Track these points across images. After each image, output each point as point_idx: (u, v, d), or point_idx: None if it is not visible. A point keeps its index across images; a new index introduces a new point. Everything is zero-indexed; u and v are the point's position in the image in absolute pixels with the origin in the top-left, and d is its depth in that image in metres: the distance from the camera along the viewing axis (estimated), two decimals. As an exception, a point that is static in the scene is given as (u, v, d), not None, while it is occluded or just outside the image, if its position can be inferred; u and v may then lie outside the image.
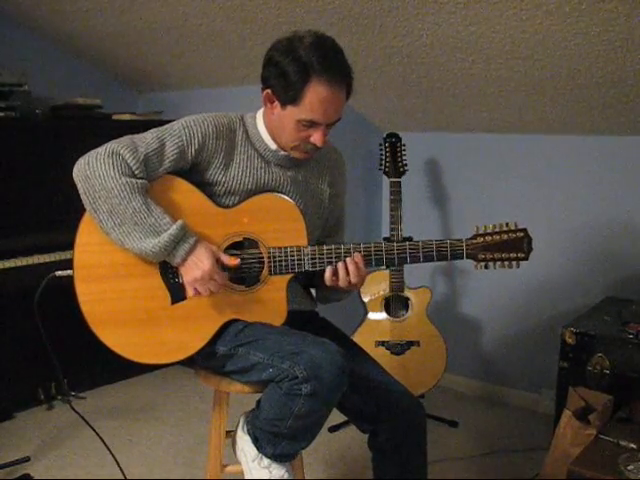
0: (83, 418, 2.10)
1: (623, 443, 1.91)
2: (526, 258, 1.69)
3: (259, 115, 1.74)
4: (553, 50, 2.27)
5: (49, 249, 2.81)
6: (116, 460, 2.16)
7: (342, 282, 1.65)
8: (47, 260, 2.79)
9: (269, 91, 1.62)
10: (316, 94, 1.57)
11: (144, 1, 2.72)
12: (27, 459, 2.57)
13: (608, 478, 1.76)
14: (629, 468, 1.76)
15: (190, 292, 1.62)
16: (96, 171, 1.55)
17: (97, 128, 3.17)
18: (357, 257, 1.65)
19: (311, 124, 1.61)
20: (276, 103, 1.63)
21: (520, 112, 2.80)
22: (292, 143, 1.66)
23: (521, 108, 2.76)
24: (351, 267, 1.65)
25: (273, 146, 1.72)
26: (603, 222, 2.80)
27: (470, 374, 3.31)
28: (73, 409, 2.12)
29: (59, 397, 3.09)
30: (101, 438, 2.11)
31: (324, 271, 1.67)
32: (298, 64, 1.56)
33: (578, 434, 2.06)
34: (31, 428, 2.91)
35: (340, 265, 1.65)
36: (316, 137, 1.63)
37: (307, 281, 1.86)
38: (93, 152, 1.59)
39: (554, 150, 2.91)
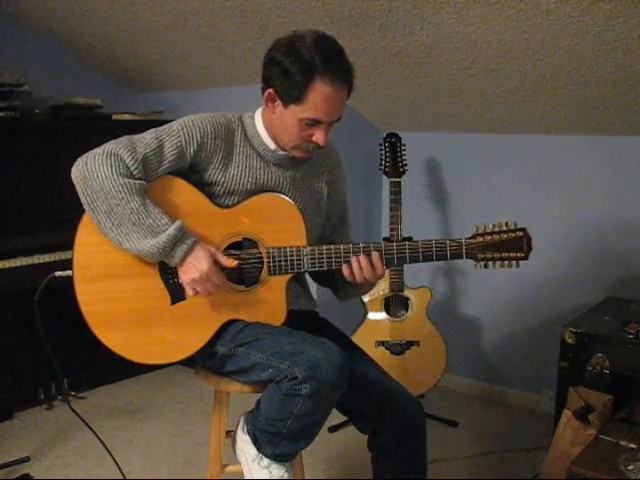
0: (82, 418, 2.10)
1: (623, 443, 1.91)
2: (526, 258, 1.68)
3: (257, 115, 1.74)
4: (553, 50, 2.27)
5: (49, 249, 2.81)
6: (115, 460, 2.16)
7: (358, 277, 1.66)
8: (47, 260, 2.79)
9: (271, 91, 1.62)
10: (319, 93, 1.57)
11: (144, 1, 2.72)
12: (27, 459, 2.57)
13: (608, 478, 1.76)
14: (629, 468, 1.76)
15: (190, 292, 1.61)
16: (94, 172, 1.55)
17: (97, 128, 3.17)
18: (375, 256, 1.66)
19: (314, 123, 1.61)
20: (278, 102, 1.63)
21: (520, 112, 2.80)
22: (294, 142, 1.66)
23: (521, 108, 2.76)
24: (363, 262, 1.65)
25: (272, 146, 1.72)
26: (603, 222, 2.80)
27: (470, 374, 3.31)
28: (72, 409, 2.12)
29: (59, 397, 3.09)
30: (99, 438, 2.11)
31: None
32: (301, 63, 1.56)
33: (578, 434, 2.06)
34: (31, 428, 2.91)
35: (354, 259, 1.65)
36: (318, 136, 1.63)
37: (324, 280, 1.87)
38: (91, 153, 1.58)
39: (554, 150, 2.90)
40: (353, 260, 1.65)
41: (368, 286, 1.82)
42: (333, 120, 1.64)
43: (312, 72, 1.56)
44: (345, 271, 1.66)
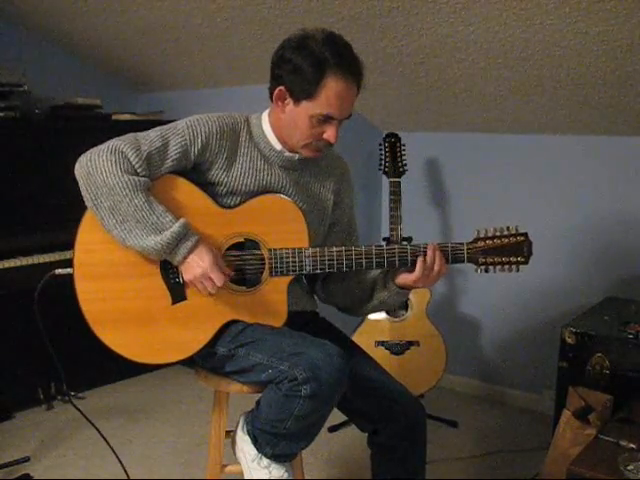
0: (86, 417, 2.09)
1: (623, 443, 1.90)
2: (526, 262, 1.69)
3: (264, 116, 1.73)
4: (553, 50, 2.27)
5: (49, 249, 2.81)
6: (119, 459, 2.15)
7: (428, 269, 1.65)
8: (47, 260, 2.79)
9: (282, 88, 1.62)
10: (332, 88, 1.57)
11: (144, 1, 2.72)
12: (27, 459, 2.57)
13: (608, 478, 1.76)
14: (629, 468, 1.76)
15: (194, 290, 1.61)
16: (98, 168, 1.54)
17: (97, 128, 3.17)
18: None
19: (325, 119, 1.61)
20: (288, 100, 1.63)
21: (520, 112, 2.80)
22: (304, 141, 1.66)
23: (521, 108, 2.76)
24: (438, 255, 1.65)
25: (278, 147, 1.71)
26: (603, 222, 2.80)
27: (470, 374, 3.31)
28: (76, 407, 2.11)
29: (59, 397, 3.09)
30: (103, 437, 2.10)
31: (392, 274, 1.70)
32: (313, 59, 1.56)
33: (578, 434, 2.06)
34: (31, 428, 2.91)
35: (430, 249, 1.65)
36: (329, 133, 1.63)
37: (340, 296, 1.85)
38: (95, 149, 1.58)
39: (554, 150, 2.90)
40: (430, 250, 1.64)
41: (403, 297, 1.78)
42: (344, 117, 1.64)
43: (324, 68, 1.56)
44: (419, 264, 1.65)
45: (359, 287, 1.81)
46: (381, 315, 2.85)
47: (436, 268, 1.65)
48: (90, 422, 2.09)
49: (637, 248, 2.73)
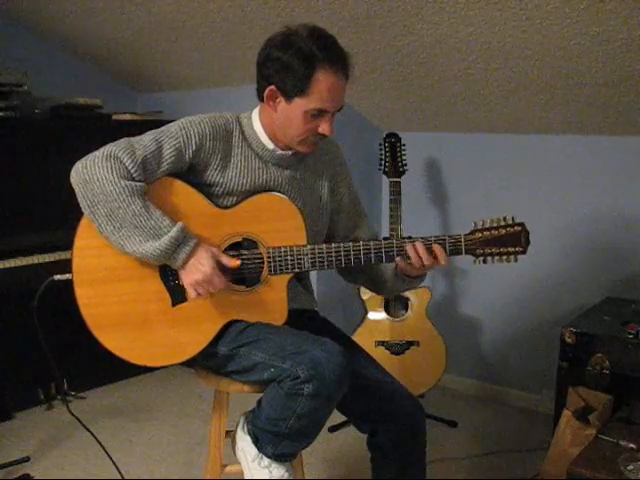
0: (79, 420, 2.09)
1: (623, 443, 1.91)
2: (524, 252, 1.69)
3: (254, 115, 1.73)
4: (553, 50, 2.27)
5: (49, 249, 2.81)
6: (112, 461, 2.15)
7: (417, 265, 1.65)
8: (47, 260, 2.79)
9: (272, 87, 1.62)
10: (323, 82, 1.58)
11: (144, 1, 2.72)
12: (27, 459, 2.57)
13: (608, 478, 1.76)
14: (629, 468, 1.76)
15: (192, 294, 1.61)
16: (94, 175, 1.54)
17: (97, 128, 3.16)
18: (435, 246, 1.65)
19: (319, 113, 1.62)
20: (280, 99, 1.63)
21: (520, 112, 2.80)
22: (300, 137, 1.66)
23: (521, 108, 2.76)
24: (420, 250, 1.64)
25: (270, 145, 1.72)
26: (603, 222, 2.80)
27: (470, 374, 3.31)
28: (70, 412, 2.11)
29: (59, 397, 3.09)
30: (97, 439, 2.10)
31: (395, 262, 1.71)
32: (301, 55, 1.56)
33: (578, 434, 2.06)
34: (31, 428, 2.91)
35: (409, 247, 1.65)
36: (325, 127, 1.64)
37: (361, 277, 1.87)
38: (90, 156, 1.58)
39: (554, 150, 2.91)
40: (409, 248, 1.64)
41: (419, 280, 1.79)
42: (337, 109, 1.65)
43: (313, 63, 1.56)
44: (401, 263, 1.67)
45: (379, 278, 1.83)
46: (381, 315, 2.85)
47: (426, 262, 1.65)
48: (84, 426, 2.09)
49: (637, 248, 2.73)
